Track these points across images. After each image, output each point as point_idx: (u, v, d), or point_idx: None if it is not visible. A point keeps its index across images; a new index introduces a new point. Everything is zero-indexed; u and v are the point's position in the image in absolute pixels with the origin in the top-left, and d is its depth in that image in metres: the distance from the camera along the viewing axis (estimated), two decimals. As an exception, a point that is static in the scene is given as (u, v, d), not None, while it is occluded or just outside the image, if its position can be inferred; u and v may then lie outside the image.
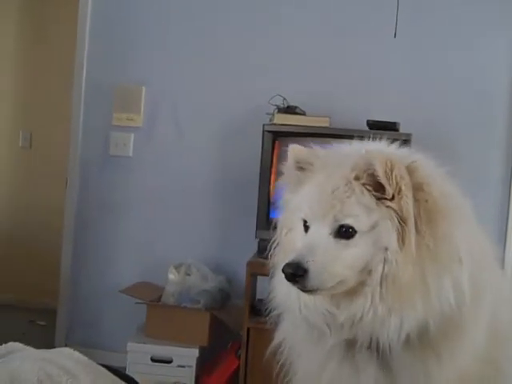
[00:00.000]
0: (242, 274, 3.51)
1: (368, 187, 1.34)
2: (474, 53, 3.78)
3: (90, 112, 4.14)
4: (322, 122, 3.37)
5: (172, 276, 3.71)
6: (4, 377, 1.32)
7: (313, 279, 1.29)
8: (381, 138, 1.57)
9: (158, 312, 3.67)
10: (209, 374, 3.53)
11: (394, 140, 1.56)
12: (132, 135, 4.08)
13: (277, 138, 3.44)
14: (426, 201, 1.32)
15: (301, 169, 1.48)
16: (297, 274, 1.29)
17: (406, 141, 2.64)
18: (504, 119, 3.78)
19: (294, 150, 1.50)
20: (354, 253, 1.32)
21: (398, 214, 1.31)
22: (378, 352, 1.34)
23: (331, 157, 1.47)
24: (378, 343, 1.32)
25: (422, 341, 1.32)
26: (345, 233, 1.33)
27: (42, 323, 4.77)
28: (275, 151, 3.40)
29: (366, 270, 1.32)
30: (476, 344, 1.38)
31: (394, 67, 3.82)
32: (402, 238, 1.29)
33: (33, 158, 5.31)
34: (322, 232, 1.35)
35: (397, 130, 3.32)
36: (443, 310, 1.29)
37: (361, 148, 1.44)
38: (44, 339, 3.99)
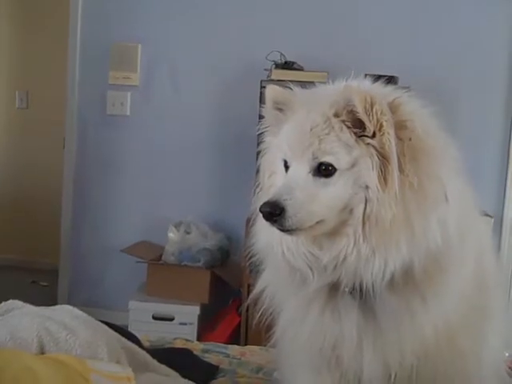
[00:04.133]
0: (241, 231, 3.51)
1: (348, 124, 1.29)
2: (477, 5, 3.73)
3: (86, 71, 4.10)
4: (319, 78, 3.33)
5: (172, 235, 3.73)
6: (4, 333, 1.32)
7: (290, 218, 1.26)
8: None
9: (159, 271, 3.70)
10: (211, 330, 3.56)
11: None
12: (129, 94, 4.04)
13: (275, 94, 3.41)
14: (410, 139, 1.27)
15: (280, 110, 1.42)
16: (274, 212, 1.26)
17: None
18: (504, 74, 3.75)
19: (272, 90, 1.44)
20: (333, 191, 1.29)
21: (379, 151, 1.26)
22: (362, 296, 1.32)
23: (310, 95, 1.41)
24: (361, 286, 1.30)
25: (407, 282, 1.29)
26: (324, 171, 1.29)
27: (45, 284, 4.80)
28: (273, 107, 3.38)
29: (347, 210, 1.28)
30: (461, 288, 1.36)
31: (393, 20, 3.77)
32: (384, 177, 1.25)
33: (30, 118, 5.28)
34: (300, 171, 1.32)
35: (395, 84, 3.29)
36: (429, 249, 1.26)
37: (342, 85, 1.37)
38: (46, 300, 4.00)
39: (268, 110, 1.46)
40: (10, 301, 1.61)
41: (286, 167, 1.37)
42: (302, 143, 1.32)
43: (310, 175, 1.31)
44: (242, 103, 3.81)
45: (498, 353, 1.56)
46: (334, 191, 1.29)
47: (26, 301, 1.64)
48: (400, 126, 1.28)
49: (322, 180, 1.30)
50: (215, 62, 3.93)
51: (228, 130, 3.93)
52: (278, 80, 3.39)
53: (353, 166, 1.28)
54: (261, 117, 1.51)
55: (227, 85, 3.93)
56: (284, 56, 3.57)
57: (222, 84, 3.94)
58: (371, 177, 1.26)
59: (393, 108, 1.29)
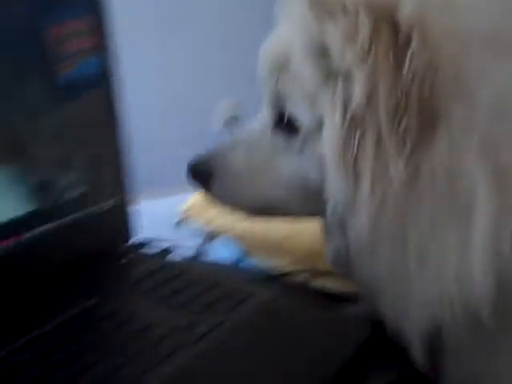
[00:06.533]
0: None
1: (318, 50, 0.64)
2: None
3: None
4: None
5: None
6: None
7: (219, 187, 0.77)
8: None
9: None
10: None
11: None
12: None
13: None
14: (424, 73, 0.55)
15: None
16: (200, 175, 0.79)
17: None
18: None
19: None
20: (290, 163, 0.70)
21: (347, 104, 0.60)
22: None
23: None
24: None
25: None
26: (287, 126, 0.69)
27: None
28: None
29: (318, 197, 0.67)
30: None
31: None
32: (356, 154, 0.60)
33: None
34: (261, 119, 0.75)
35: None
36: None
37: None
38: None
39: None
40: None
41: None
42: (268, 71, 0.73)
43: (269, 129, 0.74)
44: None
45: None
46: (291, 164, 0.71)
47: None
48: (400, 46, 0.56)
49: (282, 140, 0.71)
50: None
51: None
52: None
53: (319, 127, 0.65)
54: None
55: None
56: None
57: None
58: (330, 151, 0.62)
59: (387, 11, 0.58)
